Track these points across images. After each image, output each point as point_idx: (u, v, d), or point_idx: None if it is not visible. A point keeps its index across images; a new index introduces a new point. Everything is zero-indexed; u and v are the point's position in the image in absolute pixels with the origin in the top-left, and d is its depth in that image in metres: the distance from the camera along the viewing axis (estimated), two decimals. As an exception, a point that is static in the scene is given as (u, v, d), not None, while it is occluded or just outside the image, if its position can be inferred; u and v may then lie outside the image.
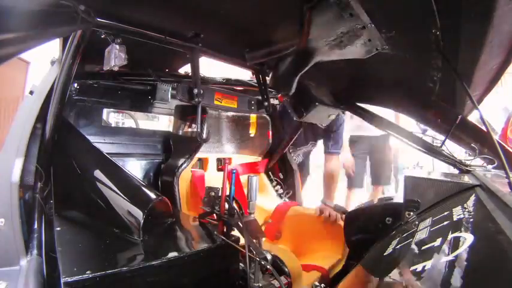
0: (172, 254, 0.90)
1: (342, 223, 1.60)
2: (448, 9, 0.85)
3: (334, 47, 1.06)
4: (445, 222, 0.72)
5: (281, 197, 2.24)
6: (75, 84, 1.50)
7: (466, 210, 0.72)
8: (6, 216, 1.00)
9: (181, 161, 1.73)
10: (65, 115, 1.21)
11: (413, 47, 1.09)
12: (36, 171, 1.07)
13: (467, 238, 0.55)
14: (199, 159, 2.00)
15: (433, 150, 1.41)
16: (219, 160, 2.07)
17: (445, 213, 0.78)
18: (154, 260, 0.84)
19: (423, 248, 0.66)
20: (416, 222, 0.87)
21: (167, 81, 1.75)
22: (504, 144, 1.24)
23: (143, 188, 1.18)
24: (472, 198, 0.78)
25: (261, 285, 1.05)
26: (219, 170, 2.05)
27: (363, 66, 1.22)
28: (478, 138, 1.31)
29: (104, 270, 0.75)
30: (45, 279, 0.89)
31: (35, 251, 0.99)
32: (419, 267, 0.57)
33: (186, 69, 1.77)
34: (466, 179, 1.03)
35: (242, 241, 1.02)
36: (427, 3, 0.83)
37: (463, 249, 0.52)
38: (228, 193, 1.13)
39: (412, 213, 0.97)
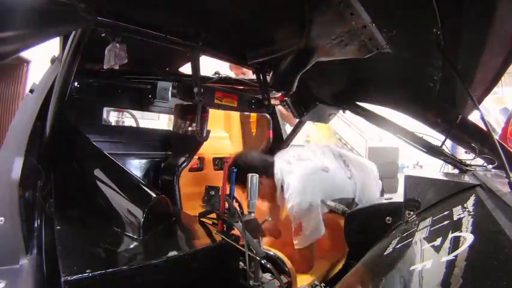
0: (172, 253, 0.91)
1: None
2: (448, 9, 0.85)
3: (335, 47, 1.06)
4: (445, 222, 0.72)
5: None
6: (76, 83, 1.50)
7: (466, 210, 0.72)
8: (6, 215, 1.00)
9: (182, 160, 1.73)
10: (65, 114, 1.21)
11: (414, 47, 1.09)
12: (36, 169, 1.07)
13: (467, 238, 0.55)
14: (199, 158, 2.00)
15: (433, 150, 1.41)
16: (218, 159, 2.07)
17: (445, 212, 0.78)
18: (154, 259, 0.84)
19: (423, 247, 0.66)
20: (417, 222, 0.87)
21: (167, 80, 1.75)
22: (504, 144, 1.24)
23: (143, 187, 1.18)
24: (472, 198, 0.78)
25: (260, 284, 1.05)
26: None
27: (364, 65, 1.22)
28: (478, 138, 1.31)
29: (104, 269, 0.75)
30: (45, 278, 0.89)
31: (34, 250, 0.99)
32: (419, 267, 0.57)
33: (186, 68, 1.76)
34: (466, 178, 1.03)
35: (242, 240, 1.02)
36: (428, 3, 0.83)
37: (463, 249, 0.52)
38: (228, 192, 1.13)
39: (412, 212, 0.97)
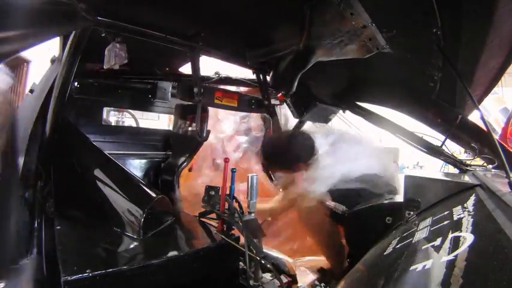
0: (173, 253, 0.91)
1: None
2: (448, 9, 0.85)
3: (335, 47, 1.06)
4: (445, 222, 0.72)
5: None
6: (76, 83, 1.50)
7: (466, 210, 0.72)
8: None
9: (181, 159, 1.72)
10: (65, 114, 1.21)
11: (414, 47, 1.09)
12: (36, 170, 1.07)
13: (467, 238, 0.55)
14: None
15: (433, 150, 1.41)
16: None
17: (445, 212, 0.78)
18: (154, 259, 0.84)
19: (423, 247, 0.66)
20: (417, 222, 0.87)
21: (167, 80, 1.75)
22: (504, 144, 1.24)
23: (143, 187, 1.18)
24: (472, 198, 0.78)
25: (260, 284, 1.05)
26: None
27: (363, 65, 1.22)
28: (478, 138, 1.31)
29: (104, 269, 0.75)
30: (45, 278, 0.89)
31: (34, 250, 0.99)
32: (419, 266, 0.57)
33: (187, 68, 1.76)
34: (466, 178, 1.03)
35: (242, 240, 1.02)
36: (428, 3, 0.83)
37: (463, 249, 0.52)
38: (228, 192, 1.13)
39: (412, 212, 0.97)
